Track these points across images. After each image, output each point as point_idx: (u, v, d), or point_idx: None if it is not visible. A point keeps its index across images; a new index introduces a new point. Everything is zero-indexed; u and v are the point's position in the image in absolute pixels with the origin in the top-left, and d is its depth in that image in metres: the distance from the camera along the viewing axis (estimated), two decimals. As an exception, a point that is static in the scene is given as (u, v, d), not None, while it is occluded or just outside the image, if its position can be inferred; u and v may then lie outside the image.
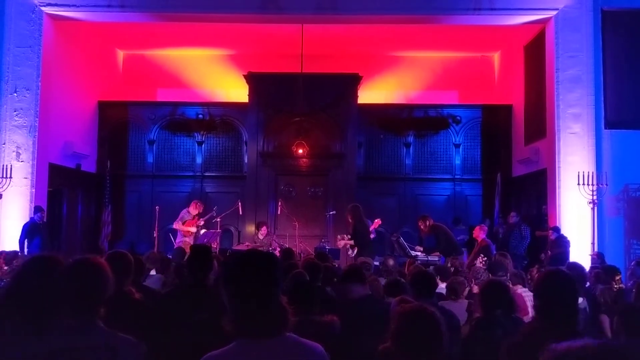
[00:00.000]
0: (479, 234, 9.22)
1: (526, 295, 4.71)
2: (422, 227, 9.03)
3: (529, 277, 6.06)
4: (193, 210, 10.15)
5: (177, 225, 10.07)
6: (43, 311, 2.04)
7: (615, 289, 5.19)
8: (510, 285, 4.63)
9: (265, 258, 1.88)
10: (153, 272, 5.67)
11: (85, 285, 2.02)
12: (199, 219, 10.20)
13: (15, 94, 9.96)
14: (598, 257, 8.35)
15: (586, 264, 8.02)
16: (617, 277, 5.84)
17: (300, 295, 3.22)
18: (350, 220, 8.95)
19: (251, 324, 1.75)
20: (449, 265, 7.25)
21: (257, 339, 1.76)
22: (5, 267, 6.49)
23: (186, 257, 4.11)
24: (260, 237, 10.04)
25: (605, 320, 3.91)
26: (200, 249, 3.63)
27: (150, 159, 12.86)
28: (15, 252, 7.44)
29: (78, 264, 2.11)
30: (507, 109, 12.65)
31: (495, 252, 8.52)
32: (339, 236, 9.51)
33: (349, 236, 9.02)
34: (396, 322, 2.50)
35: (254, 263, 1.84)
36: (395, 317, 2.56)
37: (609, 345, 0.95)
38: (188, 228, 10.01)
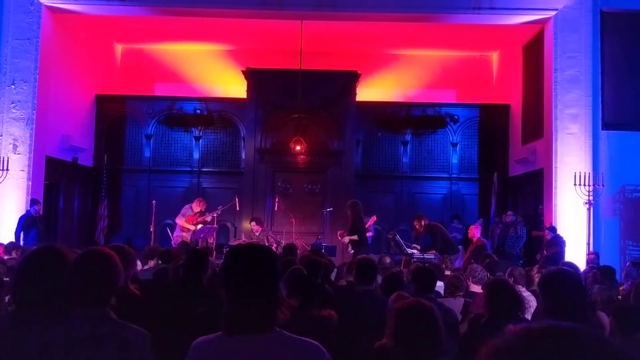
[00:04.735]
0: (474, 232, 9.25)
1: (530, 299, 4.60)
2: (417, 226, 9.02)
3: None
4: (196, 207, 10.15)
5: (179, 220, 10.11)
6: (52, 301, 2.05)
7: (616, 298, 5.14)
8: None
9: (258, 252, 1.83)
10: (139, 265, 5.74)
11: (98, 276, 2.04)
12: (198, 217, 10.21)
13: (12, 86, 9.92)
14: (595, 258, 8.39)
15: (581, 264, 8.05)
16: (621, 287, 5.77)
17: (299, 290, 3.23)
18: (349, 215, 8.94)
19: (238, 319, 1.73)
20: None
21: (243, 334, 1.72)
22: (7, 257, 6.54)
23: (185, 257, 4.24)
24: (256, 233, 10.05)
25: (604, 316, 3.93)
26: (199, 254, 3.91)
27: (147, 153, 12.84)
28: (14, 244, 7.44)
29: (89, 255, 2.12)
30: (505, 109, 12.67)
31: (490, 250, 8.53)
32: (339, 232, 9.47)
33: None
34: (394, 318, 2.51)
35: (246, 257, 1.80)
36: (392, 313, 2.57)
37: (561, 325, 0.91)
38: (188, 225, 10.03)
